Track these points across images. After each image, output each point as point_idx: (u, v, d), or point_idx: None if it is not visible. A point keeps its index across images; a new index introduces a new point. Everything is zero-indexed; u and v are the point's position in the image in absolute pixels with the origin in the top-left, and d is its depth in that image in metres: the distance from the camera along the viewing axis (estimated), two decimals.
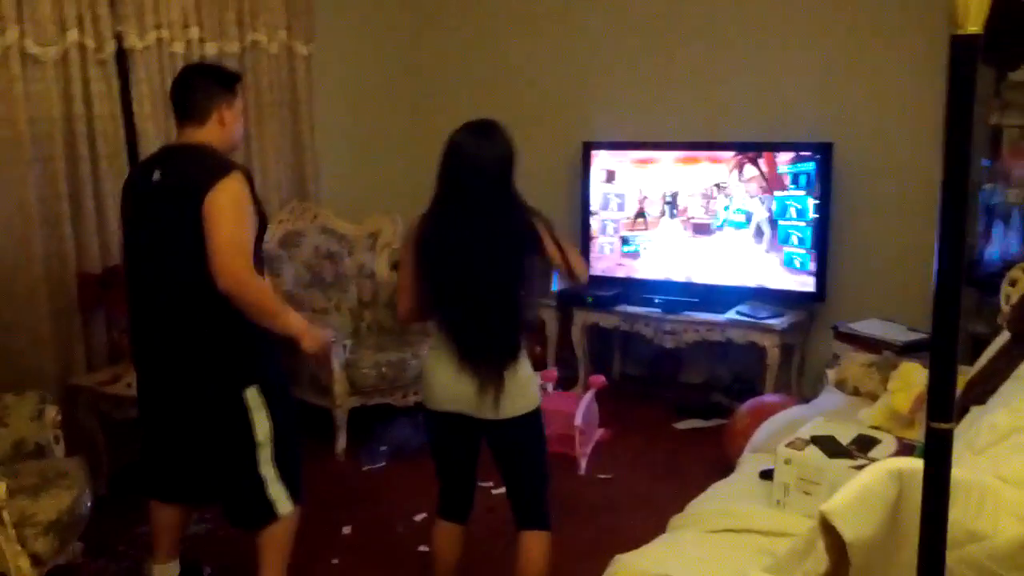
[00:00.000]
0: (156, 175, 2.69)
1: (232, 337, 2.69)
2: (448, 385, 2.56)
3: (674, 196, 4.81)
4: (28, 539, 2.69)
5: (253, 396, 2.71)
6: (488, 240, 2.48)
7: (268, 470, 2.78)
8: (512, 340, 2.56)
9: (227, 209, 2.56)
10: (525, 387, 2.57)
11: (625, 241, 5.00)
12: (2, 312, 3.77)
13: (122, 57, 4.11)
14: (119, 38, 4.06)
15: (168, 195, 2.65)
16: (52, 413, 3.25)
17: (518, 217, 2.51)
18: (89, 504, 3.04)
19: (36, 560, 2.70)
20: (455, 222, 2.50)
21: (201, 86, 2.75)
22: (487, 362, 2.51)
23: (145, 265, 2.76)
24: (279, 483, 2.80)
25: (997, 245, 3.96)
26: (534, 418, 2.61)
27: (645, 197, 4.89)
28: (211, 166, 2.62)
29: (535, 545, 2.65)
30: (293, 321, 2.72)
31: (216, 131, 2.74)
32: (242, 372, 2.72)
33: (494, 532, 3.29)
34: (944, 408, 1.18)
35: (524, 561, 2.65)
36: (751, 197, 4.60)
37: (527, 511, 2.68)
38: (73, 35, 3.87)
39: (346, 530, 3.66)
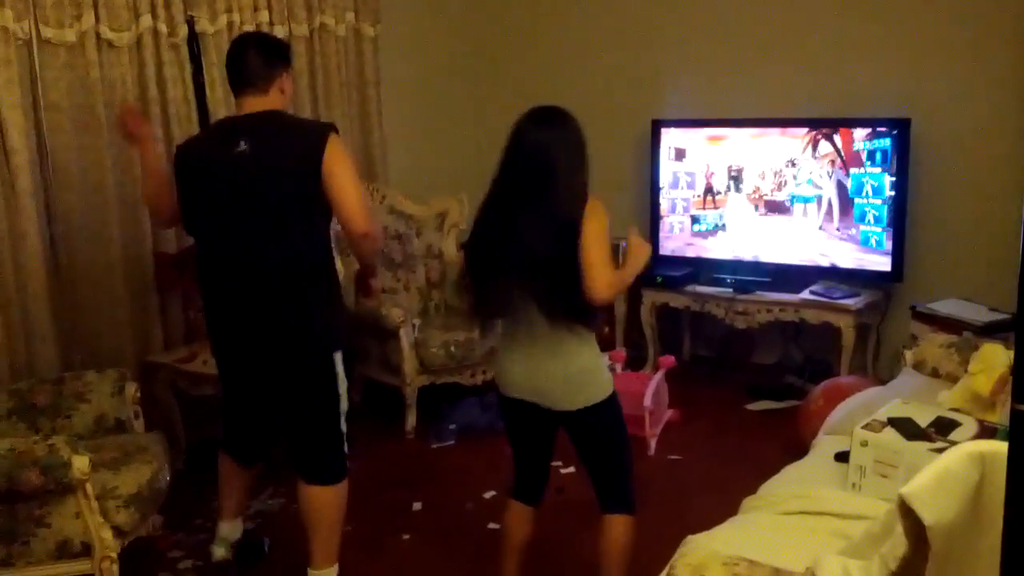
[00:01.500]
0: (243, 146, 2.63)
1: (331, 305, 2.80)
2: (517, 374, 2.55)
3: (742, 173, 4.72)
4: (110, 511, 2.78)
5: (339, 361, 2.82)
6: (535, 231, 2.38)
7: (344, 427, 2.90)
8: (564, 327, 2.48)
9: (348, 169, 2.62)
10: (585, 378, 2.51)
11: (695, 220, 4.93)
12: (82, 293, 3.88)
13: (194, 41, 4.17)
14: (191, 23, 4.13)
15: (269, 164, 2.62)
16: (132, 390, 3.34)
17: (570, 207, 2.38)
18: (168, 478, 3.13)
19: (118, 532, 2.79)
20: (506, 212, 2.43)
21: (262, 55, 2.74)
22: (535, 354, 2.50)
23: (235, 239, 2.70)
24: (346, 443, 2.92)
25: None
26: (604, 407, 2.55)
27: (714, 174, 4.81)
28: (313, 128, 2.67)
29: (615, 528, 2.62)
30: None
31: (278, 99, 2.75)
32: (334, 338, 2.82)
33: (563, 511, 3.31)
34: None
35: (605, 543, 2.62)
36: (823, 174, 4.50)
37: (607, 495, 2.65)
38: (146, 20, 3.95)
39: (416, 507, 3.70)
